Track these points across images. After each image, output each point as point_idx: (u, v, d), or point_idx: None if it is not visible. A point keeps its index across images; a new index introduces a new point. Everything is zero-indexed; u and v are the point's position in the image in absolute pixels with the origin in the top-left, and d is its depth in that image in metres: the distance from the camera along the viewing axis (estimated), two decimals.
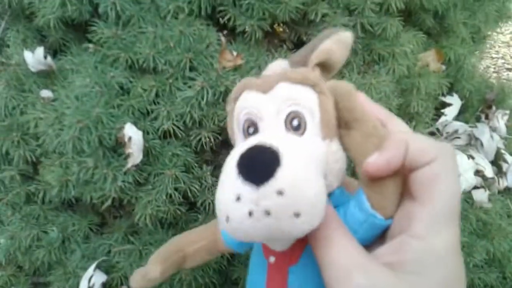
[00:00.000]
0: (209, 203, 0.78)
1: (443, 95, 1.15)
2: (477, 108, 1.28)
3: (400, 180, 0.31)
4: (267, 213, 0.27)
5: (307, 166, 0.29)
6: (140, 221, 0.73)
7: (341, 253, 0.30)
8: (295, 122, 0.33)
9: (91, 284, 0.76)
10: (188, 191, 0.76)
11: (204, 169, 0.79)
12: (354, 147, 0.33)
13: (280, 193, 0.27)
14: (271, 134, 0.33)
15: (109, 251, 0.80)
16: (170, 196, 0.73)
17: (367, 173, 0.31)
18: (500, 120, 1.23)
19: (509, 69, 3.79)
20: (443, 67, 1.03)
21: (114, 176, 0.69)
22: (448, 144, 0.32)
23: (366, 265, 0.29)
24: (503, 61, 4.14)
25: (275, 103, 0.34)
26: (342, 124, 0.33)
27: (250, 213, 0.27)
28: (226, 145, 0.87)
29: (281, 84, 0.34)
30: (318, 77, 0.34)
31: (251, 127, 0.35)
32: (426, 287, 0.28)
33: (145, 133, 0.73)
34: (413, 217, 0.29)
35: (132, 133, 0.68)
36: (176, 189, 0.74)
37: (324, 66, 0.37)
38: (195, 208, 0.80)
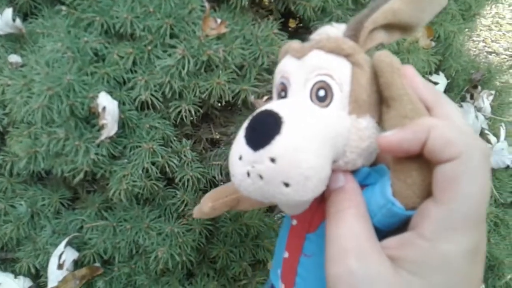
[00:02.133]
0: (188, 179, 0.74)
1: (430, 73, 1.13)
2: (463, 87, 1.27)
3: (427, 172, 0.28)
4: (260, 176, 0.28)
5: (311, 138, 0.29)
6: (114, 196, 0.69)
7: (345, 233, 0.29)
8: (321, 93, 0.32)
9: (61, 261, 0.73)
10: (166, 166, 0.72)
11: (183, 143, 0.75)
12: (388, 127, 0.30)
13: (272, 160, 0.28)
14: (286, 102, 0.33)
15: (81, 227, 0.76)
16: (147, 170, 0.70)
17: (379, 146, 0.29)
18: (485, 100, 1.23)
19: (489, 52, 3.84)
20: (433, 43, 1.00)
21: (86, 148, 0.65)
22: (482, 141, 0.28)
23: (365, 251, 0.28)
24: (483, 44, 4.19)
25: (305, 70, 0.33)
26: (383, 101, 0.31)
27: (248, 173, 0.29)
28: (207, 118, 0.84)
29: (314, 52, 0.33)
30: (354, 47, 0.32)
31: (283, 91, 0.35)
32: None
33: (121, 103, 0.68)
34: (426, 216, 0.27)
35: (107, 103, 0.63)
36: (153, 163, 0.70)
37: (396, 28, 0.34)
38: (173, 183, 0.76)
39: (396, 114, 0.29)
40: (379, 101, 0.32)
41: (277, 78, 0.36)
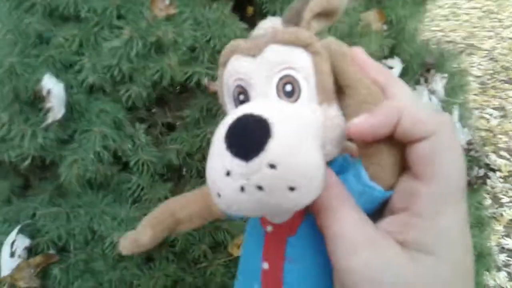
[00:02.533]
0: (142, 163, 0.74)
1: (384, 58, 1.16)
2: (417, 71, 1.30)
3: (397, 151, 0.29)
4: (259, 188, 0.26)
5: (302, 135, 0.27)
6: (66, 182, 0.68)
7: (348, 226, 0.28)
8: (288, 88, 0.30)
9: (13, 249, 0.71)
10: (119, 150, 0.72)
11: (137, 127, 0.75)
12: (348, 115, 0.30)
13: (272, 166, 0.25)
14: (262, 102, 0.30)
15: (34, 215, 0.74)
16: (99, 154, 0.69)
17: (349, 135, 0.29)
18: (438, 83, 1.27)
19: (447, 42, 3.96)
20: (385, 27, 1.03)
21: (33, 132, 0.64)
22: (447, 115, 0.29)
23: (376, 240, 0.28)
24: (442, 34, 4.32)
25: (265, 67, 0.31)
26: (338, 88, 0.31)
27: (242, 188, 0.26)
28: (161, 102, 0.83)
29: (271, 47, 0.31)
30: (311, 36, 0.31)
31: (242, 94, 0.33)
32: (442, 268, 0.27)
33: (68, 87, 0.67)
34: (417, 195, 0.27)
35: (52, 85, 0.62)
36: (105, 147, 0.69)
37: (324, 15, 0.33)
38: (128, 168, 0.76)
39: (353, 102, 0.29)
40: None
41: (229, 82, 0.34)
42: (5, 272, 0.73)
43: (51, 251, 0.76)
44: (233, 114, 0.28)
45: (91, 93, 0.70)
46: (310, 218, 0.32)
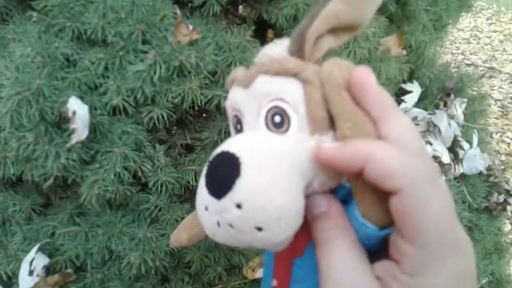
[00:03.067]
0: (161, 184, 0.75)
1: (403, 82, 1.16)
2: (436, 96, 1.30)
3: (378, 193, 0.27)
4: (230, 225, 0.27)
5: (274, 173, 0.27)
6: (86, 202, 0.69)
7: (336, 266, 0.28)
8: (277, 119, 0.30)
9: (32, 267, 0.72)
10: (139, 171, 0.73)
11: (157, 148, 0.76)
12: None
13: (238, 206, 0.26)
14: (240, 138, 0.30)
15: (53, 233, 0.75)
16: (119, 175, 0.70)
17: (316, 156, 0.28)
18: (458, 108, 1.26)
19: (468, 65, 3.94)
20: (404, 52, 1.03)
21: (56, 153, 0.65)
22: (426, 162, 0.26)
23: (359, 285, 0.27)
24: (463, 57, 4.29)
25: (255, 99, 0.31)
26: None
27: (218, 223, 0.28)
28: (181, 124, 0.84)
29: (260, 78, 0.31)
30: (299, 64, 0.30)
31: (239, 124, 0.33)
32: None
33: (93, 108, 0.69)
34: (402, 254, 0.26)
35: (77, 107, 0.64)
36: (125, 168, 0.70)
37: (342, 30, 0.31)
38: (147, 188, 0.77)
39: (338, 134, 0.28)
40: None
41: (229, 111, 0.34)
42: None
43: (69, 270, 0.77)
44: (217, 150, 0.29)
45: (114, 114, 0.72)
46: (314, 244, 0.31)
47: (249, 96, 0.31)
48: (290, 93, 0.29)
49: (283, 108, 0.29)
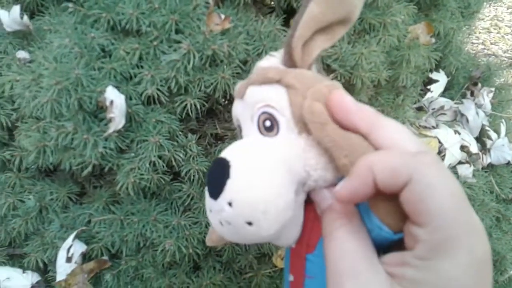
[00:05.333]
0: (193, 173, 0.75)
1: (430, 71, 1.15)
2: (463, 85, 1.28)
3: (393, 200, 0.28)
4: (228, 222, 0.30)
5: (260, 173, 0.30)
6: (122, 190, 0.70)
7: (338, 255, 0.28)
8: (267, 123, 0.32)
9: (70, 254, 0.74)
10: (173, 160, 0.73)
11: (189, 138, 0.76)
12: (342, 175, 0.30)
13: (230, 204, 0.29)
14: (237, 144, 0.33)
15: (89, 221, 0.77)
16: (154, 164, 0.71)
17: (338, 202, 0.29)
18: (485, 97, 1.24)
19: (488, 55, 3.85)
20: (433, 40, 1.02)
21: (94, 141, 0.66)
22: (425, 150, 0.27)
23: (361, 272, 0.27)
24: (483, 46, 4.20)
25: (248, 108, 0.34)
26: None
27: (221, 222, 0.30)
28: (212, 113, 0.85)
29: (249, 89, 0.34)
30: (280, 71, 0.32)
31: (240, 133, 0.36)
32: None
33: (128, 98, 0.69)
34: (417, 240, 0.26)
35: (114, 97, 0.64)
36: (160, 157, 0.71)
37: (330, 27, 0.33)
38: (179, 177, 0.77)
39: (338, 164, 0.29)
40: None
41: (234, 122, 0.38)
42: (61, 276, 0.75)
43: (104, 257, 0.78)
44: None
45: (148, 104, 0.72)
46: None
47: (244, 106, 0.34)
48: (275, 99, 0.32)
49: (271, 113, 0.32)
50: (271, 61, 0.36)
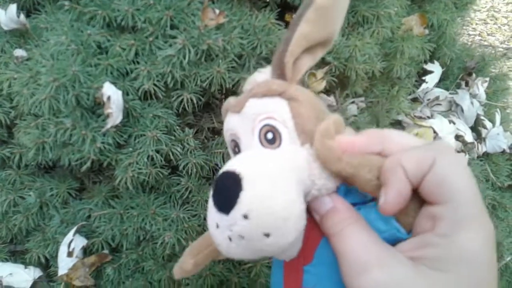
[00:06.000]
0: (191, 166, 0.77)
1: (425, 62, 1.16)
2: (458, 75, 1.29)
3: (418, 198, 0.30)
4: (241, 237, 0.29)
5: (273, 182, 0.30)
6: (121, 185, 0.71)
7: (356, 246, 0.29)
8: (269, 136, 0.33)
9: (71, 249, 0.75)
10: (170, 154, 0.74)
11: (186, 132, 0.77)
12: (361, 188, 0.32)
13: (245, 217, 0.28)
14: (239, 157, 0.33)
15: (89, 216, 0.78)
16: (152, 158, 0.72)
17: (385, 214, 0.30)
18: (480, 87, 1.25)
19: (485, 46, 3.85)
20: (426, 31, 1.03)
21: (93, 137, 0.67)
22: (441, 141, 0.30)
23: (383, 257, 0.28)
24: (479, 38, 4.19)
25: (247, 121, 0.34)
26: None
27: (230, 238, 0.29)
28: (208, 108, 0.86)
29: (249, 101, 0.34)
30: (282, 84, 0.33)
31: (236, 148, 0.36)
32: (450, 285, 0.26)
33: (125, 93, 0.70)
34: (438, 219, 0.28)
35: (111, 92, 0.65)
36: (157, 151, 0.72)
37: (313, 48, 0.35)
38: (177, 171, 0.79)
39: (365, 182, 0.30)
40: None
41: (226, 137, 0.37)
42: (63, 270, 0.77)
43: (105, 251, 0.79)
44: (219, 172, 0.31)
45: (145, 99, 0.73)
46: (324, 246, 0.33)
47: (242, 119, 0.34)
48: (277, 111, 0.33)
49: (273, 125, 0.32)
50: (262, 76, 0.37)
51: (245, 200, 0.28)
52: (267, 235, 0.28)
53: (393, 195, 0.28)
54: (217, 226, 0.30)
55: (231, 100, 0.37)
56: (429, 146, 0.29)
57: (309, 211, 0.33)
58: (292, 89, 0.33)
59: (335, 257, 0.31)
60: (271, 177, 0.30)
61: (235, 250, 0.30)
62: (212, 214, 0.31)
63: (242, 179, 0.29)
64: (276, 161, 0.31)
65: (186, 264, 0.47)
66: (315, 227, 0.33)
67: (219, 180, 0.30)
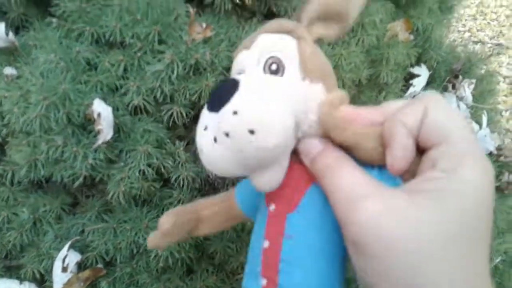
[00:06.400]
0: (183, 179, 0.77)
1: (411, 66, 1.17)
2: (445, 78, 1.31)
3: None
4: (226, 134, 0.31)
5: (267, 94, 0.32)
6: (113, 199, 0.72)
7: (347, 178, 0.30)
8: (273, 67, 0.35)
9: (65, 264, 0.75)
10: (162, 167, 0.75)
11: (177, 145, 0.78)
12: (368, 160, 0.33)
13: (235, 113, 0.30)
14: (241, 74, 0.36)
15: (83, 231, 0.78)
16: (143, 172, 0.72)
17: (395, 174, 0.31)
18: (466, 89, 1.27)
19: (475, 42, 3.88)
20: (412, 36, 1.04)
21: (84, 153, 0.68)
22: (429, 92, 0.32)
23: (379, 189, 0.29)
24: (469, 34, 4.23)
25: (256, 53, 0.36)
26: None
27: (215, 139, 0.31)
28: (197, 120, 0.86)
29: (260, 36, 0.36)
30: (294, 24, 0.36)
31: None
32: (444, 214, 0.26)
33: (115, 109, 0.71)
34: (437, 158, 0.28)
35: (101, 109, 0.66)
36: (149, 165, 0.73)
37: (329, 19, 0.36)
38: (169, 184, 0.79)
39: (366, 150, 0.32)
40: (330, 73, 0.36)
41: (232, 73, 0.39)
42: (58, 285, 0.77)
43: (99, 265, 0.80)
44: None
45: (135, 114, 0.74)
46: (310, 195, 0.35)
47: (251, 53, 0.36)
48: (286, 46, 0.35)
49: (279, 57, 0.35)
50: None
51: (237, 100, 0.31)
52: (251, 131, 0.30)
53: (400, 150, 0.30)
54: (205, 128, 0.33)
55: (244, 40, 0.39)
56: (419, 98, 0.31)
57: (297, 160, 0.35)
58: (302, 29, 0.35)
59: (320, 206, 0.34)
60: (268, 92, 0.32)
61: (216, 155, 0.32)
62: (203, 116, 0.33)
63: (239, 83, 0.32)
64: (274, 84, 0.33)
65: (164, 223, 0.48)
66: (302, 175, 0.35)
67: (217, 85, 0.34)
